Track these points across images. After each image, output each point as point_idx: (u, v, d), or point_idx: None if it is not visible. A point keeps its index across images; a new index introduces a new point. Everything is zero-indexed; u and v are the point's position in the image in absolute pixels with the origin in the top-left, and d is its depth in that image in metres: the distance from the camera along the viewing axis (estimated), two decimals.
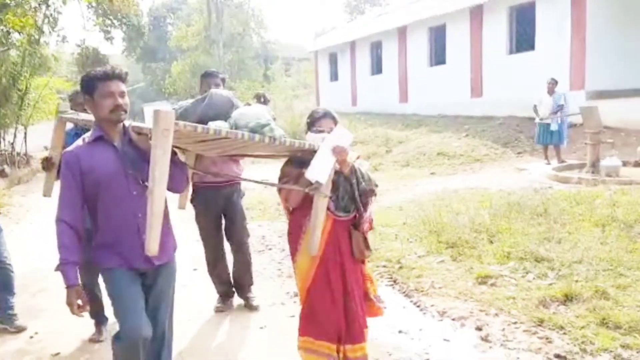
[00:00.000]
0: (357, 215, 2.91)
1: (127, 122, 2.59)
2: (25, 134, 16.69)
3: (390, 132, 15.65)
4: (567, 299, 4.23)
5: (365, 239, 2.95)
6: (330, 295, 2.90)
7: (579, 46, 12.56)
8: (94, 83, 2.48)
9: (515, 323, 3.98)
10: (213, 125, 2.54)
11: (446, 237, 5.91)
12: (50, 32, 19.15)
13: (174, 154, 2.51)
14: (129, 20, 26.37)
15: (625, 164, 9.40)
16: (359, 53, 21.98)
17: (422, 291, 4.75)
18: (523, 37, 14.47)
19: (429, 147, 13.05)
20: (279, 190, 2.98)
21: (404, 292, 4.81)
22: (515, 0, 14.41)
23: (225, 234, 4.49)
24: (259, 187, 10.01)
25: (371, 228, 3.02)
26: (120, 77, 2.51)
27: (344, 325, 2.90)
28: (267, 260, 6.12)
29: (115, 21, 27.41)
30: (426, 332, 3.99)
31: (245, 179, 4.06)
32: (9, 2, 11.40)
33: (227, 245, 4.57)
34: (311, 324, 2.95)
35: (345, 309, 2.90)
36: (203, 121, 2.59)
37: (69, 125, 3.74)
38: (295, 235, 2.98)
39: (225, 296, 4.56)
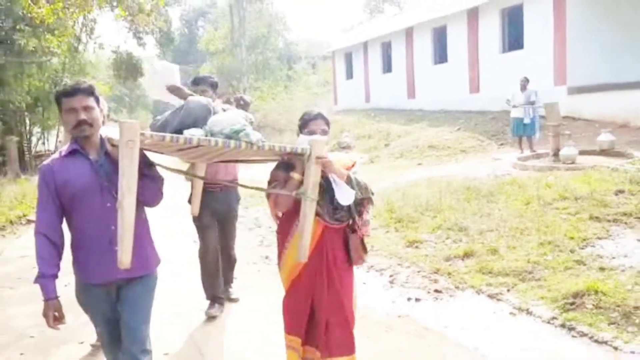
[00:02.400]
0: (352, 222, 2.89)
1: (104, 134, 2.59)
2: None
3: (393, 126, 16.90)
4: (466, 255, 5.51)
5: (362, 242, 2.92)
6: (304, 298, 2.91)
7: (561, 45, 13.54)
8: (60, 99, 2.49)
9: (418, 272, 5.31)
10: (187, 133, 2.52)
11: (397, 215, 7.23)
12: (87, 40, 21.10)
13: (150, 166, 2.60)
14: (159, 28, 28.28)
15: (590, 152, 10.48)
16: (371, 52, 23.20)
17: None
18: (514, 37, 15.47)
19: (423, 140, 14.26)
20: (268, 195, 2.94)
21: None
22: (506, 3, 15.41)
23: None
24: (262, 179, 11.48)
25: (367, 234, 2.97)
26: (85, 92, 2.48)
27: (306, 330, 2.94)
28: (253, 235, 7.59)
29: (146, 28, 29.48)
30: None
31: (234, 184, 4.29)
32: (52, 25, 13.07)
33: None
34: (290, 321, 3.00)
35: (328, 318, 2.87)
36: (181, 130, 2.58)
37: None
38: (282, 238, 2.97)
39: (214, 300, 4.63)
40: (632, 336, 3.57)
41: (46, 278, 2.44)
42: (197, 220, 4.42)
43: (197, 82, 4.29)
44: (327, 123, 2.92)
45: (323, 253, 2.85)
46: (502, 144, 12.81)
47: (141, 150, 2.38)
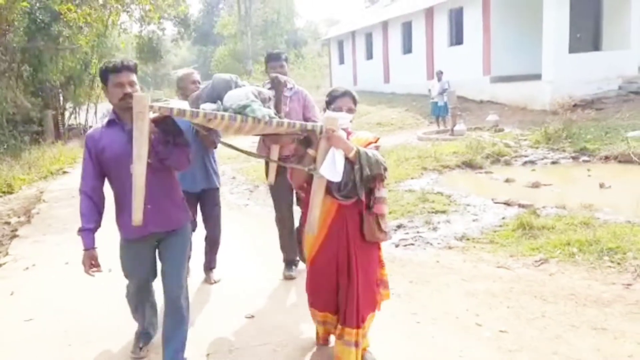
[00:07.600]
0: (367, 199, 2.82)
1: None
2: (96, 110, 20.64)
3: (361, 107, 20.12)
4: None
5: (378, 221, 2.85)
6: (327, 275, 2.93)
7: (487, 42, 16.61)
8: (107, 75, 2.70)
9: None
10: (201, 108, 2.63)
11: None
12: (113, 26, 24.29)
13: (178, 135, 2.82)
14: (177, 15, 31.69)
15: (482, 128, 13.65)
16: (358, 41, 26.37)
17: None
18: (457, 34, 18.54)
19: (376, 118, 17.52)
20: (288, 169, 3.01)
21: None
22: (453, 4, 18.43)
23: None
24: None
25: (382, 212, 2.87)
26: (129, 68, 2.71)
27: (336, 304, 2.96)
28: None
29: (165, 15, 32.91)
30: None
31: (260, 156, 4.22)
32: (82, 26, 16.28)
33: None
34: (312, 296, 3.07)
35: (346, 291, 2.87)
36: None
37: None
38: (304, 212, 3.01)
39: (290, 263, 4.80)
40: None
41: (85, 231, 2.74)
42: (274, 190, 4.56)
43: (269, 59, 4.45)
44: (355, 101, 2.96)
45: (342, 230, 2.86)
46: (431, 122, 16.01)
47: (168, 119, 2.70)
